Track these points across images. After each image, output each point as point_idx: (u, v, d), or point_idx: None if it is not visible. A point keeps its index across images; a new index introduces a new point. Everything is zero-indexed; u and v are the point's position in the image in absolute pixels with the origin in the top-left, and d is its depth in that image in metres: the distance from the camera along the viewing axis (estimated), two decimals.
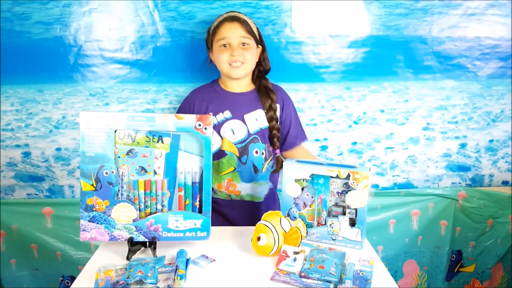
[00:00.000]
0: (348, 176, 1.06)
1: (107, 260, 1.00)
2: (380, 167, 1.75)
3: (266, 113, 1.39)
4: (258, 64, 1.44)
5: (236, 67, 1.35)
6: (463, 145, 1.75)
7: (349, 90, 1.66)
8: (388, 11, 1.58)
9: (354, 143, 1.72)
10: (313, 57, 1.61)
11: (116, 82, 1.59)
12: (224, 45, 1.35)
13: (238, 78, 1.39)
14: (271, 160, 1.44)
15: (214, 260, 1.03)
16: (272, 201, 1.48)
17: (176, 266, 0.93)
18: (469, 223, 1.77)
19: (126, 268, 0.95)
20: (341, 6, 1.58)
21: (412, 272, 1.84)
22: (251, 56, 1.37)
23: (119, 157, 1.04)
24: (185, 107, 1.45)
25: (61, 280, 1.74)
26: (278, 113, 1.42)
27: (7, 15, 1.50)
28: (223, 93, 1.42)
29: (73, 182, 1.68)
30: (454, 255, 1.82)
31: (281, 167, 1.40)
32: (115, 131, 1.02)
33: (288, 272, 0.96)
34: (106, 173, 1.01)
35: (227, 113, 1.38)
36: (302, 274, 0.95)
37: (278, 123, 1.41)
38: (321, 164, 1.11)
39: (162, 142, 1.05)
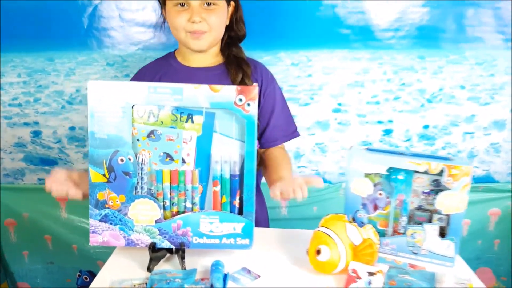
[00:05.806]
0: (441, 171, 0.87)
1: (122, 271, 0.88)
2: (456, 156, 1.53)
3: None
4: (229, 27, 1.14)
5: (197, 37, 1.06)
6: None
7: (423, 60, 1.50)
8: None
9: (426, 127, 1.57)
10: (377, 17, 1.45)
11: (138, 49, 1.51)
12: (182, 4, 1.06)
13: (201, 51, 1.11)
14: None
15: (259, 276, 0.88)
16: (257, 200, 1.23)
17: (211, 284, 0.80)
18: None
19: (146, 284, 0.82)
20: None
21: (485, 282, 1.64)
22: (219, 21, 1.07)
23: (138, 140, 0.90)
24: None
25: (79, 275, 1.66)
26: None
27: None
28: (180, 68, 1.15)
29: None
30: None
31: (259, 164, 1.16)
32: (132, 107, 0.88)
33: None
34: (122, 160, 0.88)
35: None
36: None
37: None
38: (403, 154, 0.92)
39: (193, 122, 0.90)
